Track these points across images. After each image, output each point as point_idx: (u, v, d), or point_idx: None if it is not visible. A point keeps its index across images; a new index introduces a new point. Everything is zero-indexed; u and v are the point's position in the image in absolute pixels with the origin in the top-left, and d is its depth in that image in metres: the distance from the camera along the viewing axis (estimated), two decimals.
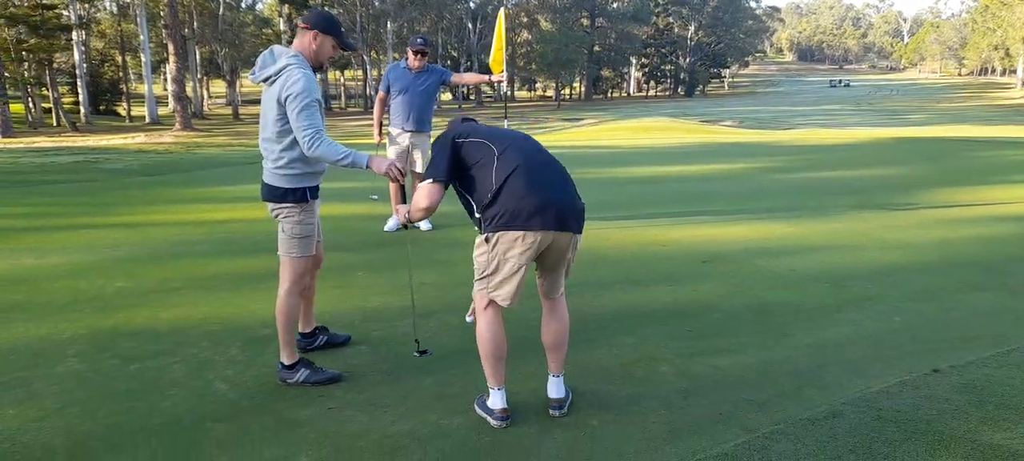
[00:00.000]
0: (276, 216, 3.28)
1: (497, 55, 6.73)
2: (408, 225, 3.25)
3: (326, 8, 48.46)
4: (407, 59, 6.31)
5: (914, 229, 6.92)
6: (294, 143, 3.11)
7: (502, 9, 6.86)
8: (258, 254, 5.82)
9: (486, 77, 6.80)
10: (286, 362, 3.34)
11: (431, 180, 2.89)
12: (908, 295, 4.69)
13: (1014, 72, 79.08)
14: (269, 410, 3.06)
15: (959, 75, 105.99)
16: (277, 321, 3.32)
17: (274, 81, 3.11)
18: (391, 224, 6.70)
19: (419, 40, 6.23)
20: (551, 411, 2.97)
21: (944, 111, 48.86)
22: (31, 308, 4.38)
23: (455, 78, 6.65)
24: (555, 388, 3.00)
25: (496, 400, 2.91)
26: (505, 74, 6.83)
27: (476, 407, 3.01)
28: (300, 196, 3.22)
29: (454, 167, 2.90)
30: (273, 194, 3.21)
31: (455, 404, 3.09)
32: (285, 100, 3.04)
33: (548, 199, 2.78)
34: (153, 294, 4.68)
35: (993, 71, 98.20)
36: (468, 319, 3.33)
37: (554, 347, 3.00)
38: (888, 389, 3.13)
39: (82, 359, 3.60)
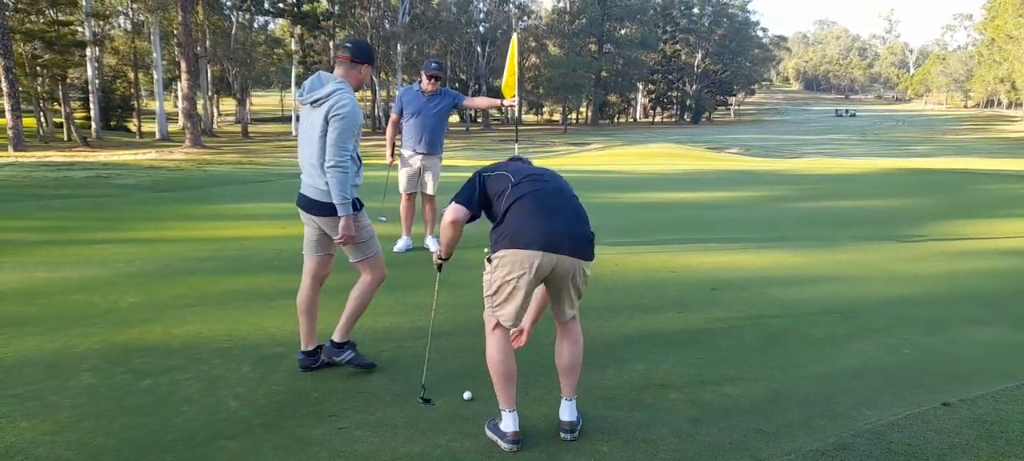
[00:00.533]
0: (333, 229, 3.52)
1: (509, 79, 6.82)
2: (441, 266, 3.31)
3: (337, 30, 49.02)
4: (420, 82, 6.39)
5: (920, 261, 6.93)
6: None
7: (515, 35, 6.94)
8: (269, 272, 5.87)
9: (498, 101, 6.88)
10: (338, 340, 3.66)
11: (456, 202, 3.00)
12: (916, 327, 4.70)
13: (1020, 105, 79.24)
14: (281, 428, 3.08)
15: (965, 107, 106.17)
16: (350, 304, 3.66)
17: (322, 103, 3.41)
18: (399, 245, 6.74)
19: (433, 65, 6.32)
20: (562, 434, 2.98)
21: (949, 143, 48.90)
22: (45, 321, 4.42)
23: (467, 102, 6.73)
24: (567, 411, 3.01)
25: (508, 423, 2.92)
26: (517, 98, 6.91)
27: (487, 430, 3.02)
28: (355, 205, 3.52)
29: (481, 199, 3.02)
30: (326, 208, 3.48)
31: (466, 427, 3.10)
32: (331, 118, 3.37)
33: (550, 223, 2.86)
34: (166, 310, 4.72)
35: (999, 104, 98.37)
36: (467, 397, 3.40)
37: (567, 370, 3.02)
38: (898, 421, 3.13)
39: (96, 373, 3.63)
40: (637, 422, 3.17)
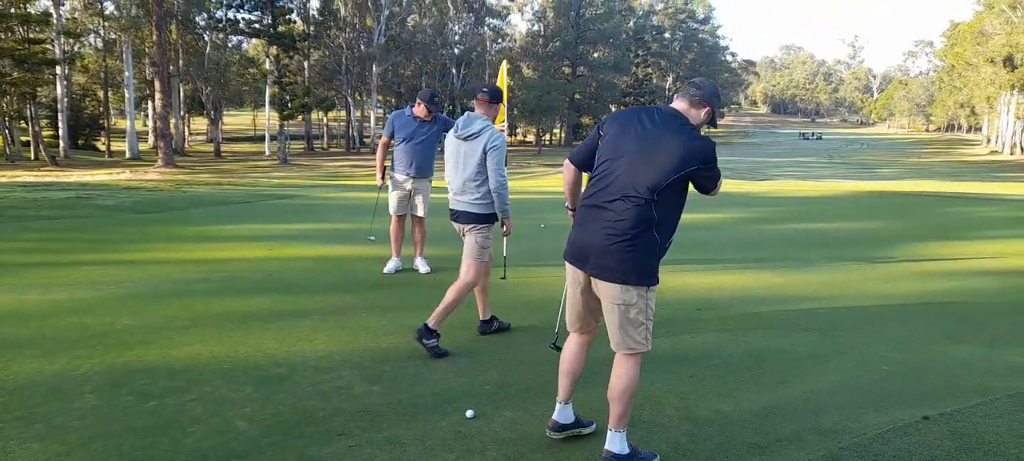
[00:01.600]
0: (470, 231, 4.44)
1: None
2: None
3: (312, 51, 48.95)
4: (412, 107, 6.52)
5: (893, 282, 7.19)
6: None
7: (504, 63, 7.12)
8: (262, 293, 5.90)
9: None
10: (433, 326, 4.29)
11: (568, 158, 3.13)
12: (893, 345, 4.91)
13: (979, 129, 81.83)
14: (291, 448, 3.14)
15: (927, 131, 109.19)
16: (448, 299, 4.33)
17: (474, 137, 4.36)
18: (389, 266, 6.82)
19: (430, 94, 6.48)
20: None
21: (913, 166, 50.27)
22: (42, 343, 4.42)
23: None
24: (607, 440, 2.99)
25: (555, 412, 3.22)
26: (506, 123, 7.06)
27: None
28: (492, 218, 4.47)
29: (592, 152, 2.95)
30: (473, 218, 4.44)
31: (471, 444, 3.19)
32: (489, 151, 4.31)
33: (581, 235, 2.93)
34: (162, 332, 4.74)
35: (959, 128, 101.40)
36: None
37: (609, 399, 3.00)
38: (882, 435, 3.30)
39: (99, 395, 3.65)
40: (637, 437, 3.28)
